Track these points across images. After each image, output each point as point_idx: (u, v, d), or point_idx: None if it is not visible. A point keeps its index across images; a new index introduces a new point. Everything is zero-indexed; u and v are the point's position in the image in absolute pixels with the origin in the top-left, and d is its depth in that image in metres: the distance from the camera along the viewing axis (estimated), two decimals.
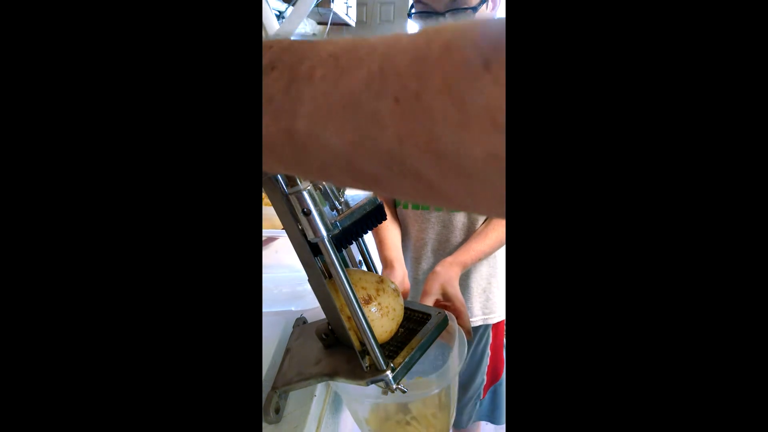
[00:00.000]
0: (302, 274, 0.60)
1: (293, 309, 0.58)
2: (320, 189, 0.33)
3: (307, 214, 0.30)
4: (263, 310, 0.52)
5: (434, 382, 0.38)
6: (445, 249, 0.74)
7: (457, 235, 0.73)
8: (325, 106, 0.15)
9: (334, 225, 0.32)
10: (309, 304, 0.57)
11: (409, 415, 0.41)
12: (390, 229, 0.72)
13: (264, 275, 0.56)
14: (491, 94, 0.12)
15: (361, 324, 0.34)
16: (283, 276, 0.62)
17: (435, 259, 0.76)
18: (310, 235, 0.31)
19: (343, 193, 0.37)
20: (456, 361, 0.40)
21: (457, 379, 0.41)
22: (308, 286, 0.59)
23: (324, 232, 0.31)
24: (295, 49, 0.16)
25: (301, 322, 0.50)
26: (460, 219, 0.72)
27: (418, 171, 0.14)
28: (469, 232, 0.72)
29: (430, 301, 0.54)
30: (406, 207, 0.77)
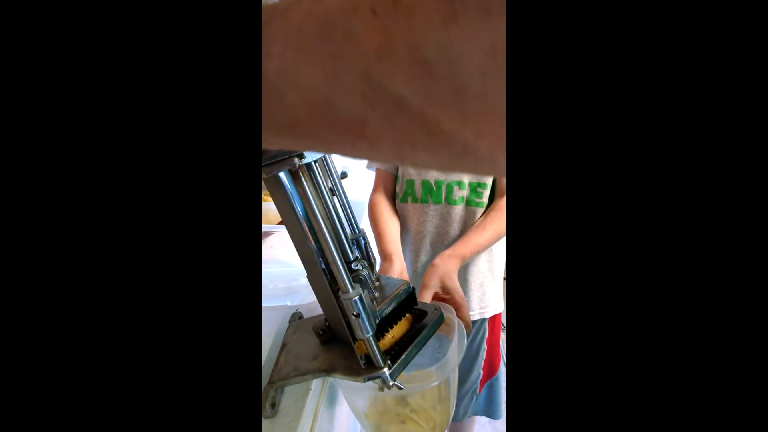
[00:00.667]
0: (297, 269, 0.60)
1: (288, 304, 0.58)
2: (361, 279, 0.37)
3: (357, 316, 0.33)
4: None
5: (433, 374, 0.39)
6: (443, 242, 0.75)
7: (455, 227, 0.74)
8: (297, 38, 0.13)
9: (375, 315, 0.35)
10: (304, 299, 0.58)
11: (408, 408, 0.41)
12: (389, 222, 0.73)
13: None
14: None
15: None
16: (278, 271, 0.62)
17: (433, 251, 0.76)
18: (358, 334, 0.34)
19: (377, 275, 0.42)
20: (455, 353, 0.41)
21: (456, 372, 0.42)
22: (303, 281, 0.59)
23: (371, 332, 0.34)
24: None
25: (297, 317, 0.50)
26: (458, 212, 0.73)
27: (402, 96, 0.12)
28: (466, 225, 0.73)
29: (428, 294, 0.54)
30: (404, 200, 0.77)
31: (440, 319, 0.41)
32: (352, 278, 0.35)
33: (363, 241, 0.41)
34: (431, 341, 0.40)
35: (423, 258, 0.78)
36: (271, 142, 0.17)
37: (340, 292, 0.34)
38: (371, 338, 0.34)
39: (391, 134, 0.13)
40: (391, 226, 0.73)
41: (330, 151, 0.16)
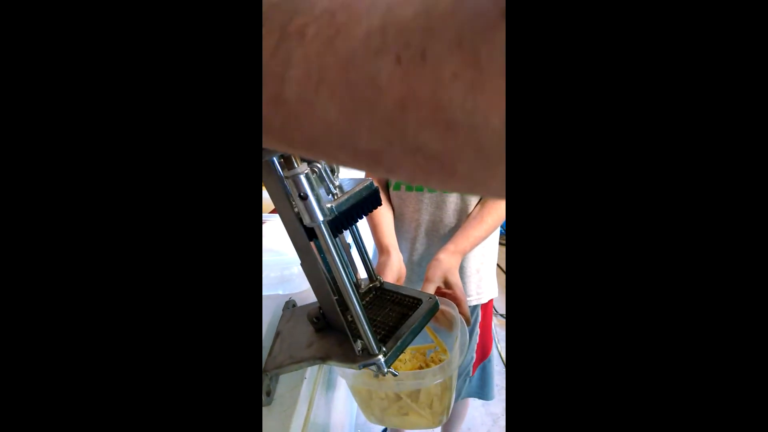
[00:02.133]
0: (289, 257, 0.60)
1: (281, 293, 0.57)
2: (316, 172, 0.32)
3: (304, 198, 0.30)
4: None
5: (438, 373, 0.39)
6: (438, 230, 0.75)
7: (450, 215, 0.74)
8: (317, 68, 0.13)
9: (331, 210, 0.32)
10: (296, 288, 0.57)
11: (410, 399, 0.41)
12: (384, 213, 0.72)
13: None
14: None
15: (355, 309, 0.34)
16: (271, 260, 0.62)
17: (428, 240, 0.76)
18: (306, 220, 0.31)
19: (338, 176, 0.36)
20: (458, 353, 0.41)
21: (457, 370, 0.42)
22: (296, 270, 0.59)
23: (320, 217, 0.30)
24: (286, 5, 0.14)
25: (290, 305, 0.50)
26: (452, 200, 0.73)
27: (424, 145, 0.12)
28: (462, 213, 0.73)
29: (431, 288, 0.54)
30: (398, 188, 0.77)
31: (435, 307, 0.41)
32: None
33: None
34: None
35: (419, 247, 0.78)
36: (291, 152, 0.18)
37: (285, 170, 0.29)
38: (366, 325, 0.34)
39: (409, 168, 0.14)
40: (386, 217, 0.73)
41: (346, 167, 0.18)
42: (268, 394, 0.38)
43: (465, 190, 0.15)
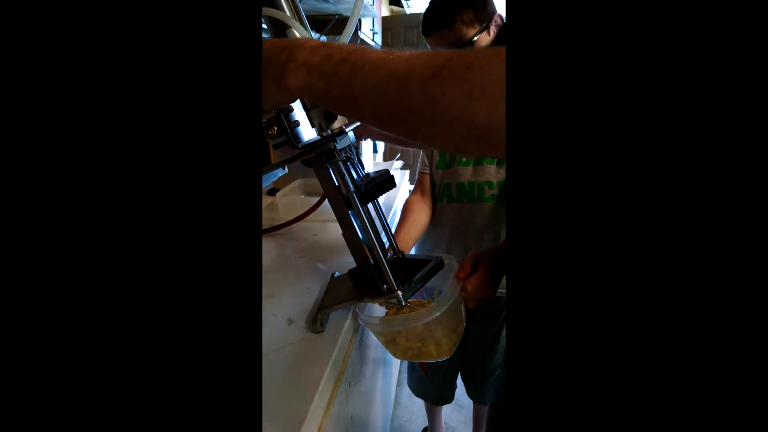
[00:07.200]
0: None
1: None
2: (351, 158, 0.50)
3: (342, 176, 0.47)
4: None
5: (424, 315, 0.48)
6: (469, 229, 0.85)
7: (483, 219, 0.84)
8: (370, 81, 0.28)
9: (359, 187, 0.48)
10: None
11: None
12: (412, 224, 0.83)
13: None
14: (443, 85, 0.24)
15: (381, 258, 0.49)
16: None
17: (463, 241, 0.87)
18: (344, 191, 0.48)
19: (367, 173, 0.53)
20: (453, 289, 0.53)
21: (459, 305, 0.54)
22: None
23: (352, 188, 0.48)
24: (357, 51, 0.30)
25: (334, 275, 0.66)
26: (488, 207, 0.84)
27: (413, 108, 0.26)
28: (494, 217, 0.83)
29: (467, 263, 0.59)
30: (441, 200, 0.88)
31: (440, 264, 0.55)
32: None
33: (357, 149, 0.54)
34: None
35: (455, 248, 0.87)
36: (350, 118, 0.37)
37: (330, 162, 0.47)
38: (388, 270, 0.49)
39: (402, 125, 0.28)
40: (413, 229, 0.83)
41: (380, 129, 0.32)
42: (322, 324, 0.53)
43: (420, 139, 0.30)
